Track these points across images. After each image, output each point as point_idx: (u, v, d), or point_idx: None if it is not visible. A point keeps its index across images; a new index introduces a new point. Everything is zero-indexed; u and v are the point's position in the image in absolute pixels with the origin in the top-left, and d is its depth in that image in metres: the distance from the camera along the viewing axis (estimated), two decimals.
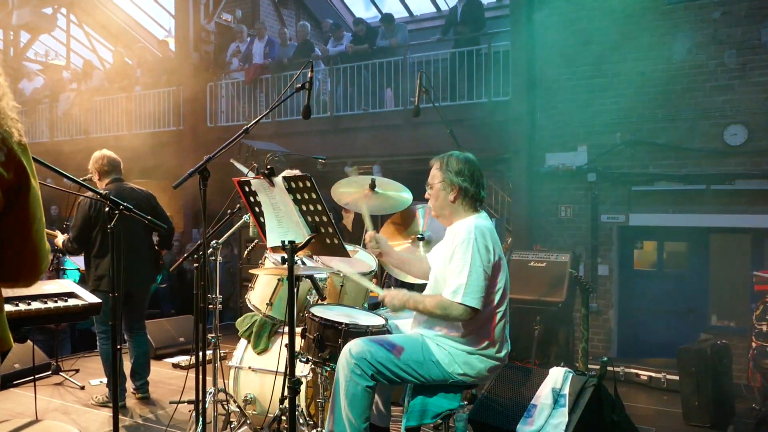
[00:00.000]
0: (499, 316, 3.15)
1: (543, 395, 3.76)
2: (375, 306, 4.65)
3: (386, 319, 3.52)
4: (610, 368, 5.81)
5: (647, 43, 7.42)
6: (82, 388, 5.58)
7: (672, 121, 7.38)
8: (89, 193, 4.60)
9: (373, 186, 4.20)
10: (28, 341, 5.21)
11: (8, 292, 2.84)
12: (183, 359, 6.58)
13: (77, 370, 6.09)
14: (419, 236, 4.13)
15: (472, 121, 8.70)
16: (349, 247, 4.17)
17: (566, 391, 3.74)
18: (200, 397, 3.39)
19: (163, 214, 5.09)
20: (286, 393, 3.40)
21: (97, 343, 5.12)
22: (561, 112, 7.99)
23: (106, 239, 4.89)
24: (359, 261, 4.19)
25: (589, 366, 5.44)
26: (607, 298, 7.87)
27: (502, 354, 3.20)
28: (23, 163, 1.60)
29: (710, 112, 7.20)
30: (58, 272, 6.25)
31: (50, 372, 5.96)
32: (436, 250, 3.41)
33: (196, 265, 3.55)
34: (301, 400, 3.90)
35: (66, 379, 5.79)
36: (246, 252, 4.89)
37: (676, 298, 7.64)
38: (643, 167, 7.55)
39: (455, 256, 3.06)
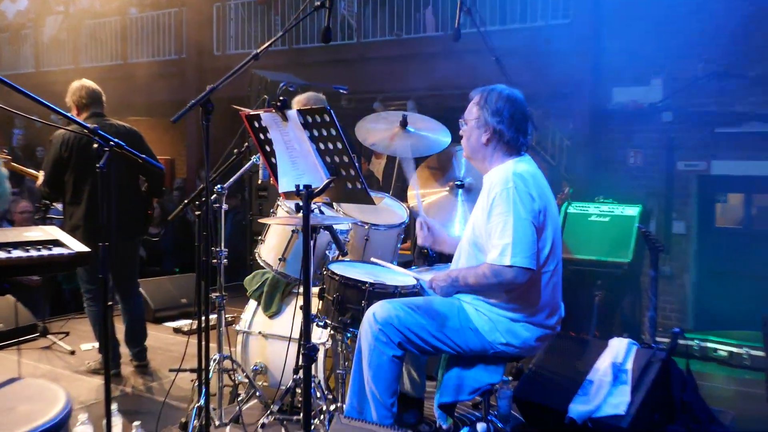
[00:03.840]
0: (547, 276, 3.13)
1: (601, 370, 3.75)
2: (406, 264, 4.65)
3: (417, 279, 3.51)
4: (682, 341, 5.80)
5: None
6: (72, 352, 5.72)
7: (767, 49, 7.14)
8: (73, 126, 4.67)
9: (404, 124, 4.16)
10: (9, 297, 5.34)
11: None
12: (185, 323, 6.69)
13: (67, 333, 6.24)
14: (458, 182, 4.09)
15: (524, 49, 8.52)
16: (374, 194, 4.16)
17: (629, 366, 3.72)
18: (203, 366, 3.44)
19: (152, 155, 5.03)
20: (300, 362, 3.45)
21: (84, 305, 5.21)
22: (631, 37, 7.77)
23: (81, 184, 4.90)
24: (387, 210, 4.18)
25: (658, 338, 5.41)
26: (683, 259, 7.78)
27: (553, 321, 3.18)
28: None
29: None
30: (44, 221, 6.35)
31: (37, 334, 6.11)
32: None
33: (197, 213, 3.56)
34: (319, 370, 3.94)
35: (54, 342, 5.95)
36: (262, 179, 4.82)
37: (766, 260, 7.51)
38: (730, 105, 7.35)
39: (494, 212, 3.04)
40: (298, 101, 4.89)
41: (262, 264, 4.15)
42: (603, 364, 3.77)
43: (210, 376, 3.72)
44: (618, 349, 3.81)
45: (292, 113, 2.89)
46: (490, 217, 3.06)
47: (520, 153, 3.23)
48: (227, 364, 4.10)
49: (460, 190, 4.10)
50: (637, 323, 6.26)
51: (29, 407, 1.50)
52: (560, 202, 6.12)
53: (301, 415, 2.89)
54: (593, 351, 3.91)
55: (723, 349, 6.05)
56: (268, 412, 3.76)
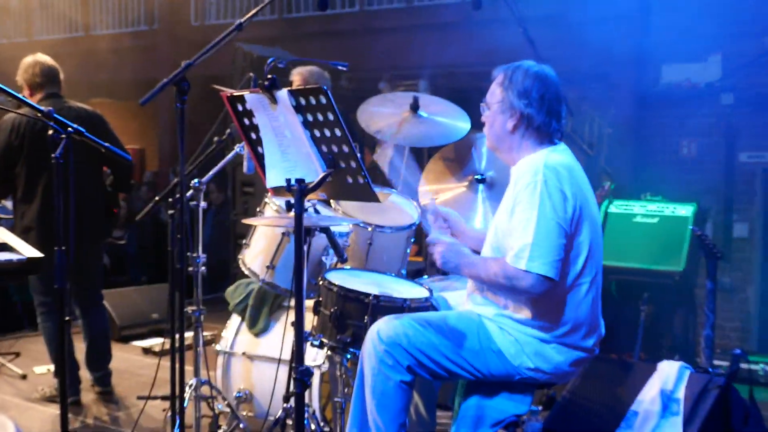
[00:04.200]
0: (584, 288, 3.11)
1: (648, 399, 3.74)
2: (417, 273, 4.65)
3: (431, 291, 3.51)
4: (744, 365, 5.78)
5: None
6: (24, 377, 5.74)
7: None
8: (25, 110, 4.68)
9: (415, 107, 4.16)
10: None
11: None
12: (156, 342, 6.71)
13: (17, 354, 6.26)
14: (478, 177, 4.08)
15: (558, 19, 8.51)
16: (379, 190, 4.16)
17: (681, 394, 3.72)
18: (177, 393, 3.44)
19: (118, 142, 5.07)
20: (292, 388, 3.45)
21: (37, 320, 5.22)
22: (686, 4, 7.75)
23: (35, 178, 4.91)
24: (394, 209, 4.18)
25: (715, 362, 5.39)
26: (746, 269, 7.75)
27: (591, 341, 3.17)
28: None
29: None
30: None
31: None
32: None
33: (171, 212, 3.57)
34: (313, 398, 3.94)
35: (3, 365, 5.96)
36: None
37: None
38: None
39: (518, 207, 3.03)
40: (299, 74, 4.90)
41: (246, 272, 4.15)
42: (650, 392, 3.76)
43: (185, 404, 3.73)
44: (668, 374, 3.80)
45: (283, 94, 2.88)
46: (514, 212, 3.05)
47: (554, 141, 3.22)
48: (205, 390, 4.10)
49: (481, 186, 4.09)
50: (691, 343, 6.25)
51: None
52: (600, 200, 6.12)
53: None
54: (638, 376, 3.90)
55: None
56: None
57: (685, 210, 6.22)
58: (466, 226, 3.63)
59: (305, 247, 2.97)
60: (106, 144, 3.14)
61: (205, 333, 4.14)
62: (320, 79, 4.92)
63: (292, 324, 2.89)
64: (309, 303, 3.61)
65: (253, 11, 3.23)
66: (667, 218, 6.24)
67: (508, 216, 3.09)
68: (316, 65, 5.09)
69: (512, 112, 3.17)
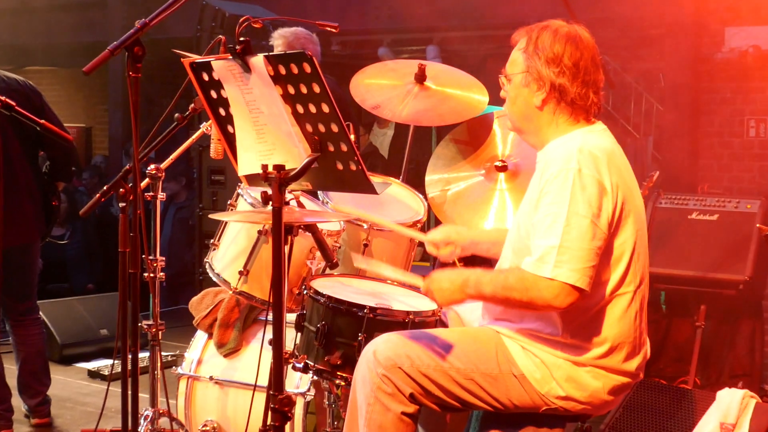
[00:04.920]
0: (626, 300, 3.12)
1: None
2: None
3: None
4: None
5: None
6: None
7: None
8: None
9: (421, 77, 4.16)
10: None
11: None
12: (105, 364, 6.72)
13: None
14: (498, 164, 4.08)
15: None
16: (377, 180, 4.15)
17: (745, 428, 3.72)
18: (131, 426, 3.45)
19: (56, 120, 5.04)
20: (270, 420, 3.45)
21: None
22: None
23: None
24: (395, 203, 4.18)
25: None
26: None
27: (634, 364, 3.18)
28: None
29: None
30: None
31: None
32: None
33: (122, 205, 3.57)
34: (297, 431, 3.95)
35: None
36: None
37: None
38: None
39: (545, 200, 3.01)
40: (282, 37, 4.91)
41: (215, 279, 4.16)
42: (707, 426, 3.77)
43: None
44: (729, 403, 3.80)
45: (258, 61, 2.88)
46: (538, 207, 3.03)
47: (590, 118, 3.21)
48: (164, 422, 4.11)
49: (502, 175, 4.09)
50: (758, 367, 6.25)
51: None
52: (646, 192, 6.12)
53: None
54: (693, 407, 3.91)
55: None
56: None
57: (752, 205, 6.21)
58: (474, 235, 3.62)
59: (286, 249, 2.98)
60: (42, 121, 3.14)
61: (164, 353, 4.14)
62: (308, 43, 4.92)
63: (270, 342, 2.90)
64: (291, 317, 3.62)
65: None
66: (729, 215, 6.23)
67: (532, 209, 3.08)
68: (302, 26, 5.09)
69: (540, 83, 3.15)
